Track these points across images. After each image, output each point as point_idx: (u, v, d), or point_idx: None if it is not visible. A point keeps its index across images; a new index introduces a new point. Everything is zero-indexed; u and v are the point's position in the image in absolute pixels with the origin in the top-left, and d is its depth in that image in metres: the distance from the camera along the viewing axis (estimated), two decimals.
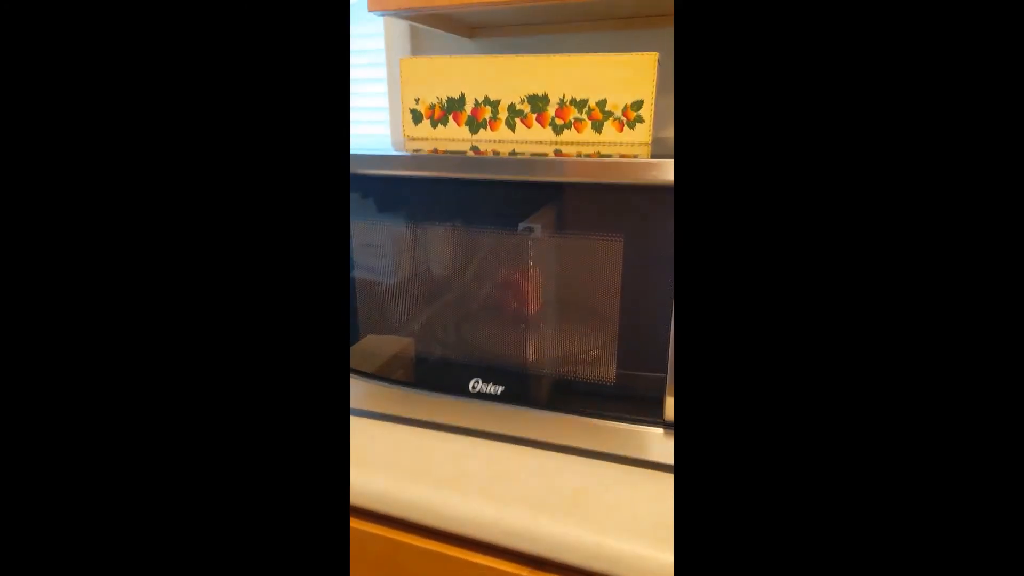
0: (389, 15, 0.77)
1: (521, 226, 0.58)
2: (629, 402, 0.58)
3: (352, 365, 0.69)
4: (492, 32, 0.96)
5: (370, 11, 0.75)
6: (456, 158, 0.58)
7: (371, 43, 1.11)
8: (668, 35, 0.86)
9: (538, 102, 0.71)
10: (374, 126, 1.17)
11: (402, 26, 1.01)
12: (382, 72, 1.11)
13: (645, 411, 0.57)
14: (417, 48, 1.02)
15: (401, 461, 0.60)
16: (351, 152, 0.62)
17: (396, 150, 0.62)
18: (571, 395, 0.60)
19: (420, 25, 0.87)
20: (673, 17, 0.84)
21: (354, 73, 1.15)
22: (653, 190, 0.52)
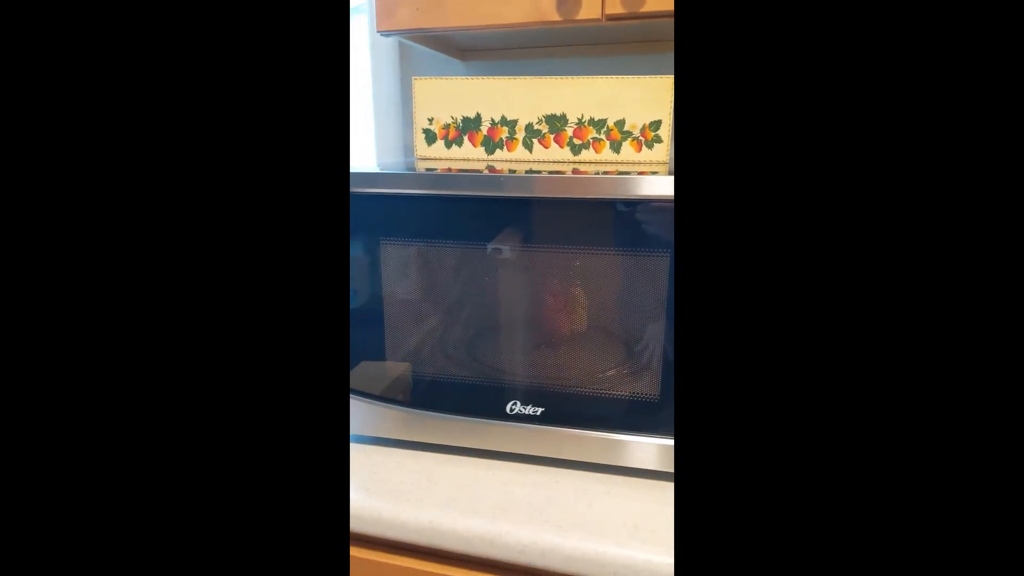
0: (392, 36, 0.76)
1: (558, 244, 0.57)
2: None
3: (373, 390, 0.66)
4: (486, 55, 0.96)
5: (379, 31, 0.73)
6: (476, 176, 0.58)
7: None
8: (661, 61, 0.89)
9: (556, 122, 0.71)
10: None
11: (390, 46, 1.00)
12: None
13: None
14: (407, 69, 1.01)
15: (437, 491, 0.58)
16: (382, 172, 0.61)
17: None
18: (614, 413, 0.59)
19: (413, 44, 0.86)
20: (670, 43, 0.87)
21: None
22: None
